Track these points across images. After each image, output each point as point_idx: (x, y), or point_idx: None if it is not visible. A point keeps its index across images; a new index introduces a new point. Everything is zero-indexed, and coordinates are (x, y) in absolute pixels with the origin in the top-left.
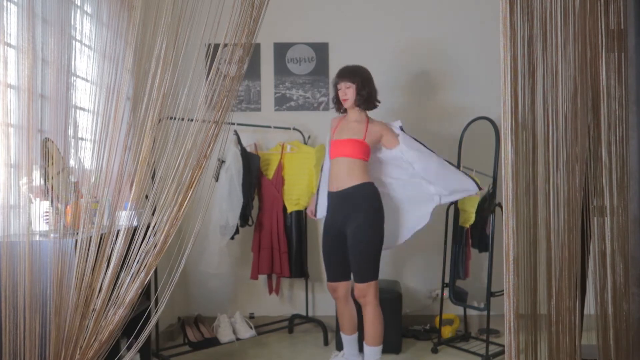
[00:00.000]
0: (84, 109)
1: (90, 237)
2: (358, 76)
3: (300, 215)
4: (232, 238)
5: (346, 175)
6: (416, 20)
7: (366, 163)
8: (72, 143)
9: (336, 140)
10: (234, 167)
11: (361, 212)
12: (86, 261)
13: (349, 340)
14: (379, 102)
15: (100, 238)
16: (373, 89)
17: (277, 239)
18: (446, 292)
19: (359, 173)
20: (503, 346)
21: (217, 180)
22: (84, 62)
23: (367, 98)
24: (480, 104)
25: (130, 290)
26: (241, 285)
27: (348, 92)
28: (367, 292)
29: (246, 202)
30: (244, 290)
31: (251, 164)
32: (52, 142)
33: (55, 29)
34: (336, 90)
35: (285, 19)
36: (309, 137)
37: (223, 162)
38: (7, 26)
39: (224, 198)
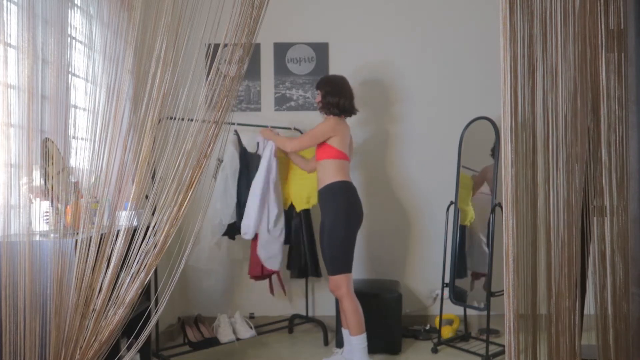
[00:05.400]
0: (84, 109)
1: (90, 237)
2: (322, 84)
3: (309, 214)
4: (234, 238)
5: (319, 176)
6: (416, 19)
7: (330, 162)
8: (73, 143)
9: None
10: (229, 167)
11: (330, 209)
12: (86, 261)
13: (349, 335)
14: (335, 109)
15: (100, 238)
16: (335, 100)
17: None
18: (446, 292)
19: (328, 173)
20: (503, 346)
21: (216, 179)
22: (84, 62)
23: (325, 104)
24: (480, 104)
25: (130, 290)
26: (241, 285)
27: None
28: (340, 285)
29: (241, 201)
30: (244, 290)
31: (250, 164)
32: (52, 142)
33: (55, 29)
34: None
35: (285, 19)
36: None
37: (222, 161)
38: (7, 26)
39: (219, 197)
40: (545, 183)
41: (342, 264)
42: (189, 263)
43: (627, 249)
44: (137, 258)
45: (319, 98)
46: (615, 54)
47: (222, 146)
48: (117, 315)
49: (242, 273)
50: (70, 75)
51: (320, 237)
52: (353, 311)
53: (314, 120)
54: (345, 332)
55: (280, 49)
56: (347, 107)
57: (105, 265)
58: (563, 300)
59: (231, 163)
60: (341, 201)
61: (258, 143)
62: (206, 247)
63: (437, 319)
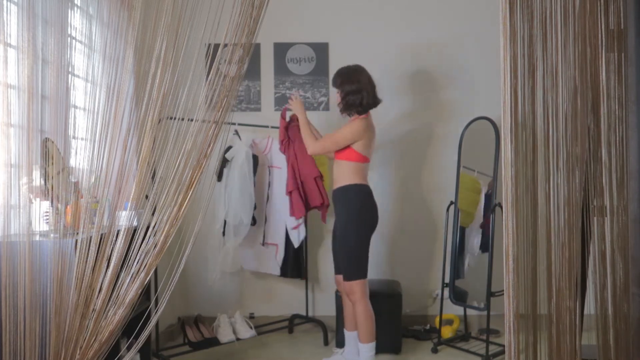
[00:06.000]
0: (84, 109)
1: (90, 237)
2: (339, 82)
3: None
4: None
5: (335, 176)
6: (416, 20)
7: (348, 163)
8: (73, 143)
9: None
10: (246, 166)
11: (343, 212)
12: (86, 261)
13: (350, 336)
14: (366, 104)
15: (100, 238)
16: (354, 95)
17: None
18: (446, 292)
19: (344, 175)
20: (503, 346)
21: (219, 179)
22: (84, 62)
23: (346, 105)
24: (480, 104)
25: (130, 290)
26: (241, 285)
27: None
28: (354, 290)
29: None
30: (244, 290)
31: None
32: (52, 142)
33: (55, 29)
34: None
35: (285, 19)
36: None
37: (228, 161)
38: (7, 26)
39: (237, 197)
40: (546, 183)
41: (355, 270)
42: (222, 269)
43: (627, 249)
44: (137, 258)
45: (339, 98)
46: (615, 54)
47: (222, 146)
48: (117, 315)
49: (241, 273)
50: (70, 75)
51: (332, 238)
52: (366, 317)
53: (314, 120)
54: (348, 334)
55: (280, 49)
56: (370, 102)
57: (105, 265)
58: (563, 300)
59: (247, 162)
60: (355, 205)
61: (253, 141)
62: (230, 249)
63: (437, 319)
